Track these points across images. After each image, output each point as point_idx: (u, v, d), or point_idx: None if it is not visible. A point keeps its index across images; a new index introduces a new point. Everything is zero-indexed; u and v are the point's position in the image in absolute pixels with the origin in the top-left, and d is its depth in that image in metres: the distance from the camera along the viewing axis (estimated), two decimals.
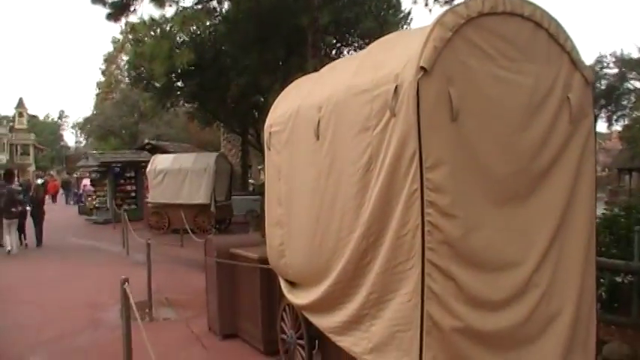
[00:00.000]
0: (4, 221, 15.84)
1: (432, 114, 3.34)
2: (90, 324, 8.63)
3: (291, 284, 5.36)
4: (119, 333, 7.63)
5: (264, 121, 17.15)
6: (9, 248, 15.48)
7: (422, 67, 3.31)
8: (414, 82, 3.33)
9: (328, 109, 4.37)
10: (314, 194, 4.59)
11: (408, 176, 3.40)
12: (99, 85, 64.60)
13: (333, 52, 20.07)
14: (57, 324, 8.62)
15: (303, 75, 5.96)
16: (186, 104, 26.93)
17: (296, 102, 5.08)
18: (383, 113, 3.64)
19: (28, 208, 17.26)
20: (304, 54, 15.18)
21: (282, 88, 14.58)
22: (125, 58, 47.93)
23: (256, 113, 22.72)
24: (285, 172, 5.21)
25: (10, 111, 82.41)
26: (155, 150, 27.78)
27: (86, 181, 32.14)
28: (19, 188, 17.10)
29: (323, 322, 4.59)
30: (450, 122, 3.39)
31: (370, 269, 3.85)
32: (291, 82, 5.92)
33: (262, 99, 16.35)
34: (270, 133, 5.57)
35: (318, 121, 4.48)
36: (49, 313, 9.35)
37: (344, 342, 4.21)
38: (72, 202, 37.45)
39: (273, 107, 5.79)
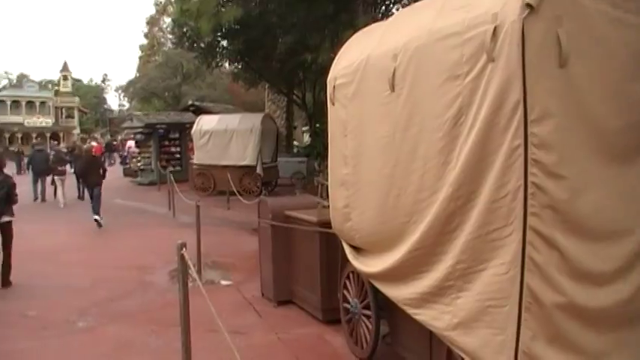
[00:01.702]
0: (55, 178, 18.13)
1: (539, 58, 2.84)
2: (138, 286, 8.44)
3: (357, 250, 4.96)
4: (168, 297, 7.44)
5: (310, 81, 16.72)
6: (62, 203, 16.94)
7: (528, 4, 2.81)
8: (519, 22, 2.84)
9: (406, 57, 3.89)
10: (387, 151, 4.15)
11: (508, 130, 2.92)
12: (141, 47, 64.67)
13: (383, 8, 19.40)
14: (105, 286, 8.47)
15: (353, 32, 5.44)
16: (230, 64, 26.53)
17: (365, 51, 4.61)
18: (477, 58, 3.15)
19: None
20: (354, 10, 14.64)
21: (332, 45, 14.19)
22: (167, 20, 47.85)
23: (301, 73, 22.27)
24: (353, 127, 4.75)
25: (54, 75, 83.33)
26: (199, 111, 27.58)
27: (131, 143, 32.23)
28: (65, 150, 17.76)
29: (396, 292, 4.19)
30: (557, 68, 2.89)
31: (457, 236, 3.40)
32: (341, 39, 5.43)
33: (310, 57, 15.81)
34: (334, 86, 5.09)
35: (394, 71, 4.00)
36: (97, 274, 9.22)
37: (422, 315, 3.80)
38: (113, 163, 37.62)
39: (337, 58, 5.32)
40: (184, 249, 4.58)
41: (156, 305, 7.50)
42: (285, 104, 28.39)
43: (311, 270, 6.38)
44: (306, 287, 6.63)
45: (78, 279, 8.87)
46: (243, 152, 18.98)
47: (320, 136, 22.08)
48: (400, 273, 4.07)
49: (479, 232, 3.19)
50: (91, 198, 14.39)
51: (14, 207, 8.68)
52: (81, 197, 19.04)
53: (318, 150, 20.66)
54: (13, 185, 8.83)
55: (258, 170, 18.58)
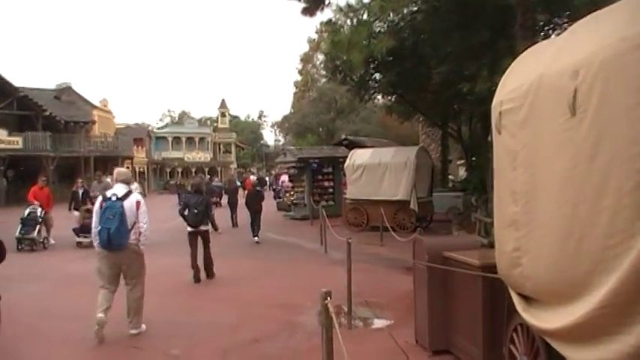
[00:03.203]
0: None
1: None
2: (285, 327, 8.08)
3: (528, 300, 4.26)
4: (315, 340, 6.98)
5: (467, 112, 16.02)
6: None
7: None
8: None
9: (590, 73, 3.21)
10: (567, 187, 3.46)
11: None
12: (296, 84, 66.58)
13: (541, 34, 18.39)
14: (251, 325, 8.20)
15: (513, 59, 4.78)
16: (383, 97, 26.37)
17: (536, 70, 3.96)
18: None
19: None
20: (512, 36, 13.86)
21: (489, 74, 13.47)
22: (320, 57, 48.85)
23: (457, 105, 21.60)
24: (523, 159, 4.09)
25: (213, 112, 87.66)
26: (352, 145, 27.51)
27: (284, 177, 32.76)
28: (220, 184, 18.43)
29: (577, 355, 3.46)
30: None
31: None
32: (500, 67, 4.78)
33: (466, 87, 15.18)
34: (500, 112, 4.46)
35: (574, 91, 3.32)
36: (243, 312, 9.01)
37: None
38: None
39: (502, 82, 4.68)
40: (329, 298, 4.10)
41: (302, 349, 7.11)
42: (439, 137, 27.80)
43: (472, 318, 5.71)
44: (466, 337, 5.96)
45: (223, 316, 8.70)
46: (397, 187, 18.49)
47: (477, 169, 21.24)
48: (584, 333, 3.35)
49: None
50: (252, 222, 17.85)
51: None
52: (235, 225, 21.83)
53: (475, 184, 19.86)
54: (210, 203, 12.33)
55: (413, 205, 18.00)
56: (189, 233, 11.79)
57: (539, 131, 3.85)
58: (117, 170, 8.52)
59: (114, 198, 7.51)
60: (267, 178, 44.98)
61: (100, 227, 7.37)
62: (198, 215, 11.59)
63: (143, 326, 7.83)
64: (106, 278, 7.60)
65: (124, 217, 7.35)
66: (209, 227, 11.99)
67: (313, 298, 8.98)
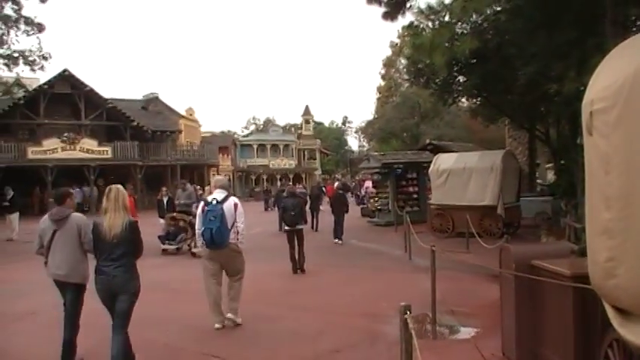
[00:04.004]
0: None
1: None
2: (367, 337, 7.89)
3: (625, 314, 3.94)
4: (396, 351, 6.81)
5: (554, 113, 15.42)
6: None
7: None
8: None
9: None
10: None
11: None
12: (379, 89, 66.38)
13: (633, 29, 17.55)
14: (332, 334, 8.07)
15: (602, 57, 4.44)
16: (467, 100, 25.91)
17: (631, 65, 3.66)
18: None
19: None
20: (601, 33, 13.25)
21: (577, 73, 12.90)
22: (403, 61, 48.57)
23: (544, 106, 20.91)
24: (618, 162, 3.78)
25: (297, 119, 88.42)
26: (437, 150, 27.16)
27: (368, 183, 32.63)
28: (304, 190, 21.47)
29: None
30: None
31: None
32: (589, 66, 4.45)
33: (553, 88, 14.62)
34: (590, 112, 4.13)
35: None
36: (324, 320, 8.88)
37: None
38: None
39: (592, 79, 4.36)
40: (408, 313, 3.91)
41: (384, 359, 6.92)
42: (526, 140, 27.06)
43: (563, 332, 5.38)
44: (555, 352, 5.62)
45: (304, 325, 8.61)
46: (483, 192, 18.03)
47: (566, 173, 20.51)
48: None
49: None
50: (335, 223, 19.28)
51: None
52: (315, 229, 23.01)
53: (564, 188, 19.15)
54: (304, 203, 15.00)
55: (499, 211, 17.48)
56: (288, 232, 13.65)
57: (636, 131, 3.55)
58: (215, 178, 9.67)
59: (214, 202, 8.35)
60: (351, 184, 45.32)
61: (203, 228, 8.22)
62: (295, 216, 13.44)
63: (239, 319, 8.54)
64: (210, 274, 8.51)
65: (224, 218, 8.19)
66: (304, 226, 13.93)
67: (396, 306, 8.74)
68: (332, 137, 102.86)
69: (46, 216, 6.81)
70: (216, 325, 8.36)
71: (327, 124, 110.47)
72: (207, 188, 23.93)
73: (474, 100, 24.83)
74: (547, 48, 14.88)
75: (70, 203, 6.87)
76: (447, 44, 14.57)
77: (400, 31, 45.25)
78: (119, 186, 6.50)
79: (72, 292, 6.68)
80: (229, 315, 8.49)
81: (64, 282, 6.63)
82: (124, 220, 6.17)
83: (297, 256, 13.44)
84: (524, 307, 6.08)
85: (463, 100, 25.90)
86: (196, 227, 8.74)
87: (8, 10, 24.44)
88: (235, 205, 8.51)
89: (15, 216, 22.19)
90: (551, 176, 31.61)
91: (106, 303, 6.29)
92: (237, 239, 8.48)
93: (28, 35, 24.99)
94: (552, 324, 5.68)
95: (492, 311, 7.77)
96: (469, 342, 7.55)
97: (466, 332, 8.05)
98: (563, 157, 22.10)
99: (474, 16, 16.23)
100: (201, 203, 8.66)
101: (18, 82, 29.06)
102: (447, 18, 14.98)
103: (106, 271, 6.15)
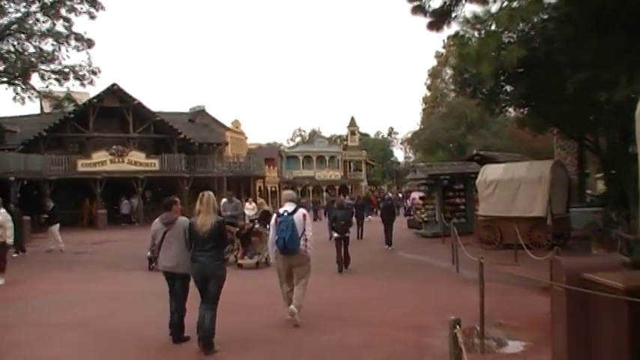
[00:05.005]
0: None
1: None
2: (414, 350, 7.80)
3: None
4: None
5: (604, 122, 15.08)
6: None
7: None
8: None
9: None
10: None
11: None
12: (424, 99, 66.02)
13: None
14: (378, 347, 7.98)
15: None
16: (515, 109, 25.56)
17: None
18: None
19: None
20: None
21: (629, 81, 12.60)
22: (449, 71, 48.24)
23: (593, 115, 20.48)
24: None
25: (343, 130, 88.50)
26: (484, 160, 26.78)
27: (415, 194, 32.41)
28: (351, 201, 23.22)
29: None
30: None
31: None
32: None
33: (603, 97, 14.31)
34: None
35: None
36: (370, 332, 8.81)
37: None
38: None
39: None
40: (458, 327, 3.83)
41: None
42: (576, 149, 26.58)
43: (617, 348, 5.21)
44: None
45: (350, 337, 8.53)
46: (532, 202, 17.73)
47: (617, 183, 20.07)
48: None
49: None
50: (385, 231, 20.90)
51: None
52: (360, 237, 24.44)
53: (615, 199, 18.73)
54: (352, 214, 17.94)
55: (549, 222, 17.17)
56: (337, 239, 15.59)
57: None
58: (285, 192, 10.67)
59: (286, 214, 9.29)
60: (392, 195, 45.46)
61: (277, 237, 9.15)
62: (344, 225, 15.55)
63: (297, 319, 9.18)
64: (283, 276, 9.47)
65: (295, 227, 9.11)
66: (351, 234, 16.22)
67: (444, 319, 8.63)
68: (378, 148, 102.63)
69: (157, 219, 8.43)
70: (288, 316, 9.22)
71: (372, 136, 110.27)
72: (260, 201, 24.24)
73: (522, 110, 24.45)
74: (597, 55, 14.59)
75: (176, 209, 8.32)
76: (493, 53, 14.38)
77: (446, 41, 44.93)
78: (210, 192, 8.17)
79: (180, 281, 8.15)
80: (292, 307, 9.18)
81: (172, 272, 8.16)
82: (213, 219, 7.80)
83: (343, 259, 15.26)
84: (575, 321, 5.91)
85: (510, 109, 25.51)
86: (270, 236, 9.64)
87: (59, 27, 25.07)
88: (304, 216, 9.42)
89: (55, 227, 22.68)
90: (601, 186, 31.02)
91: (198, 285, 7.87)
92: (306, 246, 9.30)
93: (78, 51, 25.68)
94: (605, 339, 5.51)
95: (542, 325, 7.62)
96: (518, 356, 7.42)
97: (515, 346, 7.89)
98: (614, 167, 21.65)
99: (521, 25, 16.02)
100: (274, 215, 9.64)
101: (68, 97, 29.83)
102: (493, 27, 14.77)
103: (199, 260, 7.75)
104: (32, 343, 8.54)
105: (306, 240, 9.31)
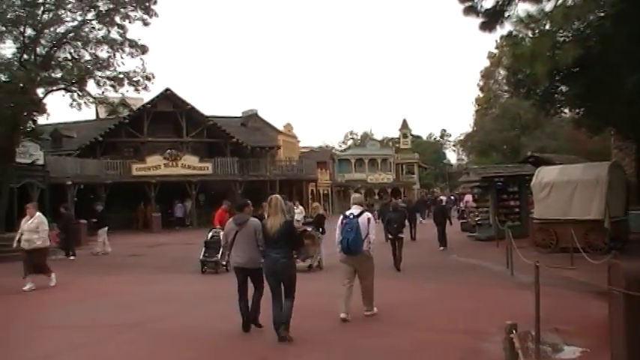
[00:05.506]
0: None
1: None
2: (467, 355, 7.70)
3: None
4: None
5: None
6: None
7: None
8: None
9: None
10: None
11: None
12: (477, 101, 65.25)
13: None
14: (431, 351, 7.94)
15: None
16: (570, 110, 25.03)
17: None
18: None
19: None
20: None
21: None
22: (502, 71, 47.52)
23: None
24: None
25: (395, 133, 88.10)
26: (539, 162, 26.35)
27: (468, 197, 32.04)
28: (404, 204, 24.38)
29: None
30: None
31: None
32: None
33: None
34: None
35: None
36: (423, 337, 8.74)
37: None
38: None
39: None
40: (514, 332, 3.75)
41: None
42: (634, 151, 25.86)
43: None
44: None
45: (402, 341, 8.46)
46: (588, 205, 17.32)
47: None
48: None
49: None
50: (438, 232, 21.70)
51: None
52: (413, 239, 25.21)
53: None
54: (405, 216, 18.45)
55: (606, 225, 16.74)
56: (391, 240, 16.31)
57: None
58: (353, 195, 11.39)
59: (351, 216, 9.76)
60: (445, 197, 45.36)
61: (341, 237, 9.67)
62: (398, 227, 16.39)
63: (375, 309, 9.99)
64: (346, 275, 9.86)
65: (359, 230, 9.57)
66: (404, 235, 16.97)
67: (498, 323, 8.50)
68: (430, 151, 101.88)
69: (230, 220, 9.38)
70: (342, 315, 9.62)
71: (424, 138, 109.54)
72: (315, 204, 24.22)
73: (577, 110, 23.88)
74: None
75: (247, 211, 9.16)
76: (548, 53, 14.11)
77: (498, 41, 44.34)
78: (277, 195, 8.95)
79: (251, 275, 8.95)
80: (366, 312, 9.93)
81: (243, 268, 8.94)
82: (281, 220, 8.52)
83: (398, 256, 16.08)
84: (635, 327, 5.75)
85: (566, 110, 25.00)
86: (336, 237, 9.97)
87: (114, 34, 25.58)
88: (369, 219, 9.81)
89: (103, 231, 23.21)
90: None
91: (269, 279, 8.59)
92: (369, 247, 9.74)
93: (132, 57, 26.03)
94: None
95: (600, 330, 7.45)
96: None
97: (571, 352, 7.71)
98: None
99: (576, 23, 15.71)
100: (340, 217, 10.11)
101: (123, 102, 30.45)
102: (547, 26, 14.51)
103: (271, 257, 8.49)
104: (89, 344, 8.74)
105: (369, 242, 9.70)
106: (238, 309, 9.03)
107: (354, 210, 9.94)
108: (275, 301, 8.50)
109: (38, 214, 14.46)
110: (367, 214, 10.00)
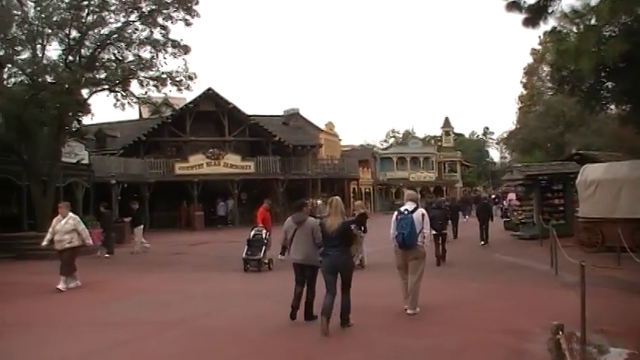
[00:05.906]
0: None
1: None
2: (511, 355, 7.59)
3: None
4: None
5: None
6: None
7: None
8: None
9: None
10: None
11: None
12: (520, 98, 64.30)
13: None
14: (474, 351, 7.85)
15: None
16: (617, 107, 24.51)
17: None
18: None
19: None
20: None
21: None
22: (546, 68, 46.73)
23: None
24: None
25: (437, 131, 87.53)
26: (584, 160, 25.79)
27: (512, 196, 31.69)
28: (447, 203, 24.77)
29: None
30: None
31: None
32: None
33: None
34: None
35: None
36: (466, 336, 8.63)
37: None
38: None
39: None
40: (561, 333, 3.68)
41: None
42: None
43: None
44: None
45: (446, 341, 8.38)
46: (636, 204, 16.91)
47: None
48: None
49: None
50: (481, 228, 22.69)
51: None
52: (455, 237, 24.92)
53: None
54: (447, 212, 19.98)
55: None
56: (435, 235, 16.04)
57: None
58: (407, 192, 11.63)
59: (406, 212, 10.01)
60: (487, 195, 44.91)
61: (397, 233, 9.92)
62: (442, 224, 17.13)
63: (417, 309, 9.98)
64: (401, 268, 10.20)
65: (414, 225, 9.82)
66: (447, 231, 18.10)
67: (542, 323, 8.41)
68: (472, 149, 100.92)
69: (289, 218, 9.87)
70: (405, 306, 10.08)
71: (467, 136, 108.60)
72: (358, 202, 24.16)
73: (624, 107, 23.40)
74: None
75: (305, 210, 9.82)
76: (593, 48, 13.80)
77: (542, 37, 43.59)
78: (338, 197, 9.54)
79: (309, 271, 9.43)
80: (409, 311, 9.99)
81: (301, 264, 9.44)
82: (339, 220, 9.05)
83: (440, 253, 16.96)
84: None
85: (612, 106, 24.53)
86: (391, 232, 10.20)
87: (157, 34, 25.82)
88: (423, 215, 10.11)
89: (139, 229, 23.44)
90: None
91: (327, 276, 8.98)
92: (423, 242, 10.04)
93: (175, 57, 26.21)
94: None
95: None
96: None
97: (617, 353, 7.60)
98: None
99: (624, 17, 15.35)
100: (395, 213, 10.37)
101: (166, 102, 30.73)
102: (593, 21, 14.20)
103: (329, 254, 8.98)
104: (132, 341, 8.83)
105: (423, 237, 10.03)
106: (292, 295, 9.55)
107: (409, 206, 10.21)
108: (328, 295, 8.83)
109: (71, 214, 14.45)
110: (421, 210, 10.30)
